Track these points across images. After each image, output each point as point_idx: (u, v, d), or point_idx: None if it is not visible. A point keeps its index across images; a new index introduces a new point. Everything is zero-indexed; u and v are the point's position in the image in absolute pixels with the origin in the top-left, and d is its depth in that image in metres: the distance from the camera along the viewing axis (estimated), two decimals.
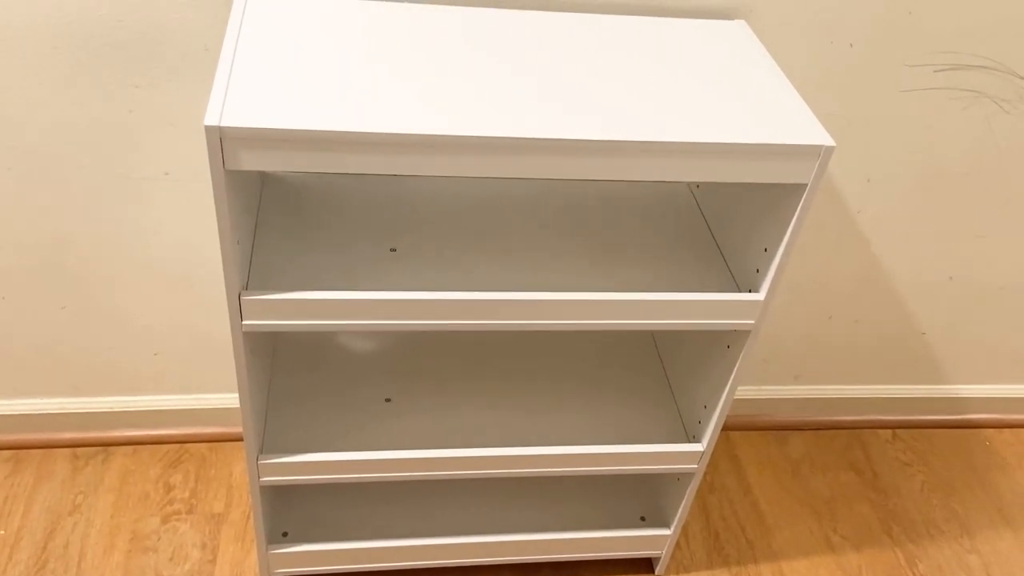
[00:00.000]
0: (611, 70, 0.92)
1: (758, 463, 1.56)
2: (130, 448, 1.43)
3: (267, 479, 1.07)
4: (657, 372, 1.31)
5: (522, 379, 1.27)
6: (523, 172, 0.82)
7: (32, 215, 1.16)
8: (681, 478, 1.24)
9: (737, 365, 1.05)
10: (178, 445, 1.44)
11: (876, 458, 1.61)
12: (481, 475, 1.12)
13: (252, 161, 0.78)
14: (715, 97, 0.90)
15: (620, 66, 0.93)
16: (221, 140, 0.76)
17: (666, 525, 1.29)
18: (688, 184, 1.22)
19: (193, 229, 1.20)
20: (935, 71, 1.18)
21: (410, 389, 1.22)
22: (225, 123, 0.75)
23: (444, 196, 1.13)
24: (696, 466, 1.18)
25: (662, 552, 1.31)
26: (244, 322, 0.90)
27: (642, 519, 1.33)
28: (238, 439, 1.45)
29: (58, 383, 1.36)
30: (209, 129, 0.75)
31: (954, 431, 1.69)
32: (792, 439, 1.62)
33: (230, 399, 1.42)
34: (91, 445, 1.42)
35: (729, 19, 1.07)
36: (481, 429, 1.19)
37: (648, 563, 1.36)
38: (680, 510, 1.25)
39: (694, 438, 1.19)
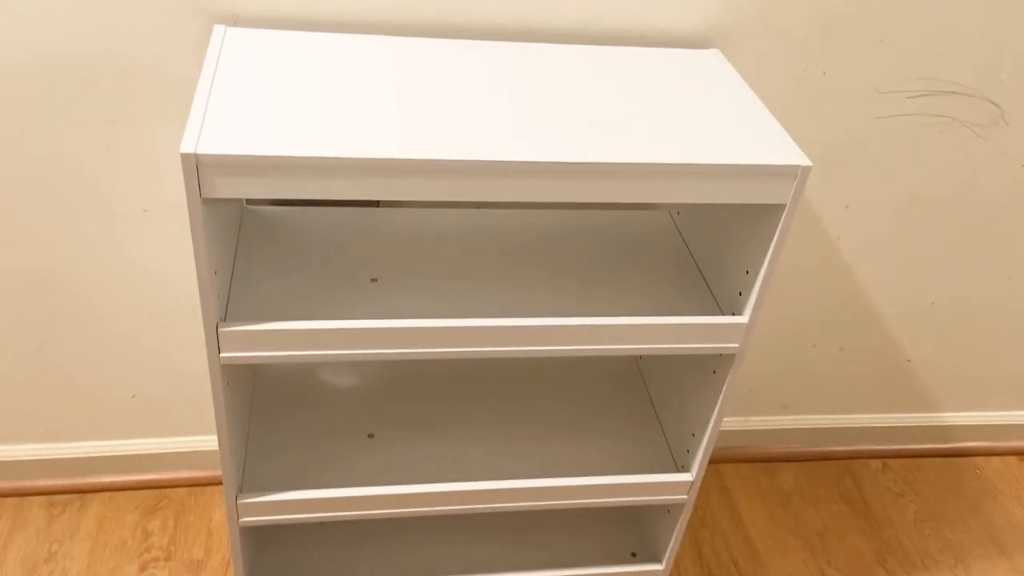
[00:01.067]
0: (588, 97, 0.93)
1: (748, 496, 1.54)
2: (107, 494, 1.39)
3: (247, 519, 1.04)
4: (643, 402, 1.29)
5: (506, 411, 1.25)
6: (501, 196, 0.82)
7: (8, 252, 1.14)
8: (671, 510, 1.22)
9: (723, 390, 1.04)
10: (156, 490, 1.41)
11: (867, 488, 1.59)
12: (467, 510, 1.10)
13: (228, 188, 0.77)
14: (693, 122, 0.91)
15: (597, 93, 0.94)
16: (197, 167, 0.75)
17: (658, 560, 1.27)
18: (669, 212, 1.22)
19: (171, 266, 1.19)
20: (908, 97, 1.20)
21: (393, 424, 1.20)
22: (201, 150, 0.75)
23: (424, 228, 1.12)
24: (686, 497, 1.16)
25: None
26: (222, 354, 0.88)
27: (633, 555, 1.31)
28: (218, 483, 1.42)
29: (33, 428, 1.33)
30: (185, 156, 0.75)
31: (944, 459, 1.68)
32: (782, 470, 1.60)
33: (209, 441, 1.39)
34: (67, 492, 1.38)
35: (703, 48, 1.09)
36: (466, 463, 1.17)
37: None
38: (671, 543, 1.22)
39: (683, 468, 1.17)
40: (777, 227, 0.90)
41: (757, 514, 1.51)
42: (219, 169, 0.76)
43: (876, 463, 1.65)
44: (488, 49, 1.01)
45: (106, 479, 1.38)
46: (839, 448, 1.64)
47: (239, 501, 1.03)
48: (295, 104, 0.84)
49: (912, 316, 1.47)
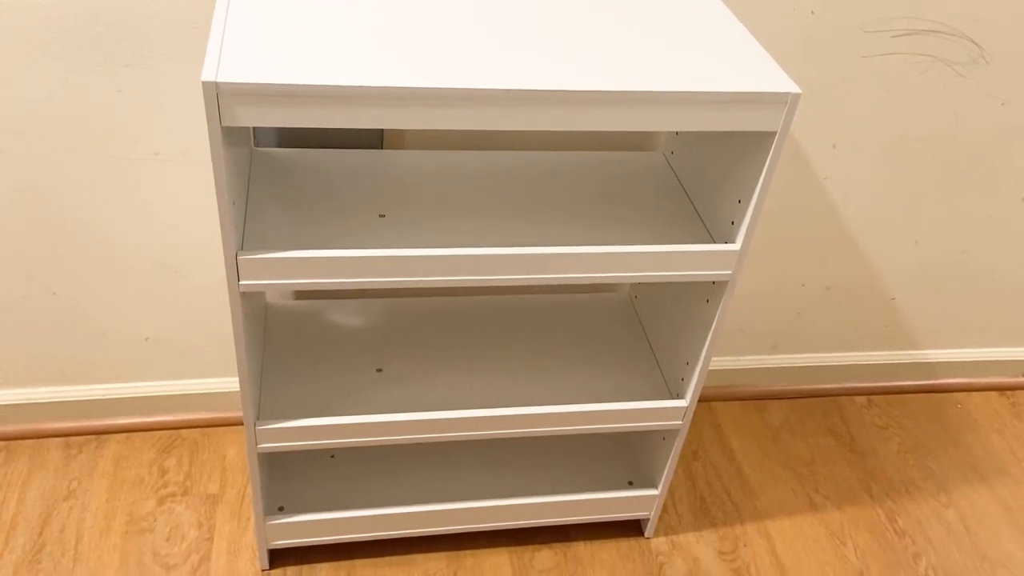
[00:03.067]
0: (587, 30, 0.97)
1: (739, 431, 1.60)
2: (123, 435, 1.44)
3: (265, 445, 1.09)
4: (639, 337, 1.34)
5: (507, 348, 1.30)
6: (507, 124, 0.86)
7: (20, 197, 1.18)
8: (666, 437, 1.27)
9: (716, 318, 1.09)
10: (171, 431, 1.45)
11: (853, 423, 1.66)
12: (472, 437, 1.15)
13: (248, 117, 0.81)
14: (687, 54, 0.95)
15: (595, 27, 0.98)
16: (218, 96, 0.79)
17: (653, 486, 1.33)
18: (663, 152, 1.26)
19: (183, 211, 1.23)
20: (892, 36, 1.24)
21: (400, 359, 1.25)
22: (222, 79, 0.79)
23: (427, 168, 1.16)
24: (680, 422, 1.21)
25: (650, 514, 1.35)
26: (241, 282, 0.93)
27: (630, 483, 1.37)
28: (230, 423, 1.47)
29: (49, 372, 1.37)
30: (206, 85, 0.78)
31: (926, 395, 1.75)
32: (772, 407, 1.67)
33: (221, 383, 1.44)
34: (84, 434, 1.43)
35: None
36: (470, 395, 1.22)
37: (638, 526, 1.40)
38: (666, 469, 1.28)
39: (678, 396, 1.23)
40: (768, 155, 0.94)
41: (748, 448, 1.58)
42: (238, 98, 0.80)
43: (861, 399, 1.72)
44: None
45: (122, 421, 1.43)
46: (826, 386, 1.70)
47: (258, 427, 1.08)
48: (309, 35, 0.88)
49: (896, 255, 1.52)
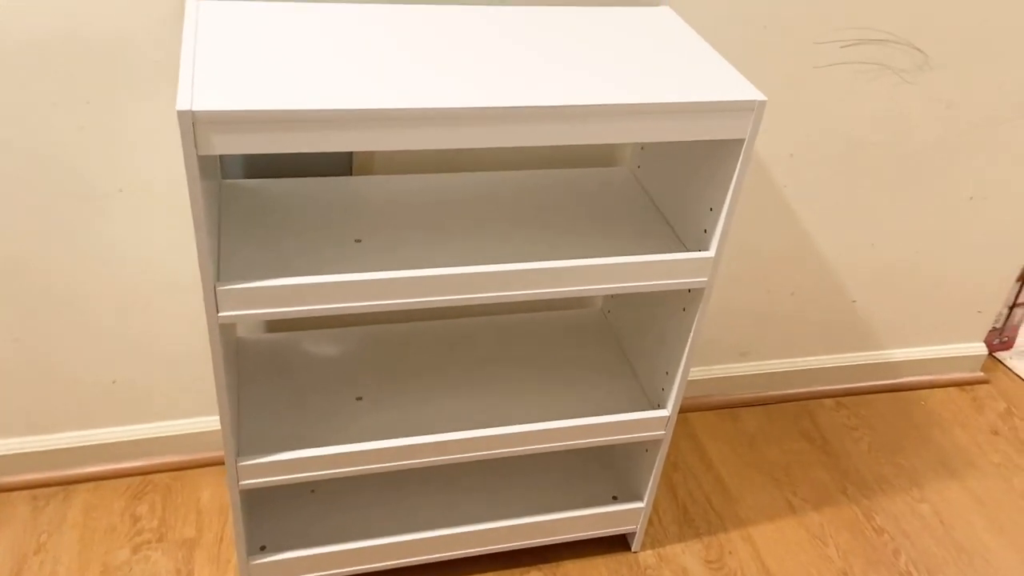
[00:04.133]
0: (554, 51, 0.98)
1: (715, 440, 1.62)
2: (92, 484, 1.39)
3: (247, 482, 1.07)
4: (615, 352, 1.35)
5: (487, 368, 1.30)
6: (483, 142, 0.87)
7: None
8: (649, 448, 1.28)
9: (694, 325, 1.11)
10: (141, 477, 1.41)
11: (824, 425, 1.69)
12: (457, 460, 1.15)
13: (224, 144, 0.80)
14: (654, 68, 0.97)
15: (562, 48, 1.00)
16: (194, 124, 0.78)
17: (639, 499, 1.33)
18: (629, 167, 1.28)
19: (147, 248, 1.21)
20: (842, 47, 1.28)
21: (379, 386, 1.24)
22: (197, 107, 0.78)
23: (400, 191, 1.16)
24: (663, 432, 1.22)
25: (637, 527, 1.35)
26: (220, 314, 0.91)
27: (614, 498, 1.37)
28: (202, 465, 1.43)
29: (13, 423, 1.33)
30: (182, 114, 0.78)
31: (891, 394, 1.79)
32: (744, 415, 1.69)
33: (192, 424, 1.40)
34: (51, 485, 1.38)
35: (654, 6, 1.15)
36: (452, 418, 1.21)
37: (624, 541, 1.40)
38: (651, 481, 1.29)
39: (659, 406, 1.24)
40: (738, 162, 0.97)
41: (724, 456, 1.59)
42: (214, 126, 0.79)
43: (830, 402, 1.75)
44: (454, 12, 1.06)
45: (90, 469, 1.39)
46: (795, 391, 1.73)
47: (239, 464, 1.05)
48: (278, 65, 0.88)
49: (855, 258, 1.56)
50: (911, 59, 1.33)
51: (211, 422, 1.41)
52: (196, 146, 0.79)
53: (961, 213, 1.56)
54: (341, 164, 1.19)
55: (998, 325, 1.86)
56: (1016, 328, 1.90)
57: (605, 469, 1.41)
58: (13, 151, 1.08)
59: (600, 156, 1.31)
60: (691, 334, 1.12)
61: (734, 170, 0.98)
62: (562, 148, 1.29)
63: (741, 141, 0.95)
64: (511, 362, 1.32)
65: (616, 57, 0.98)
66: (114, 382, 1.33)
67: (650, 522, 1.44)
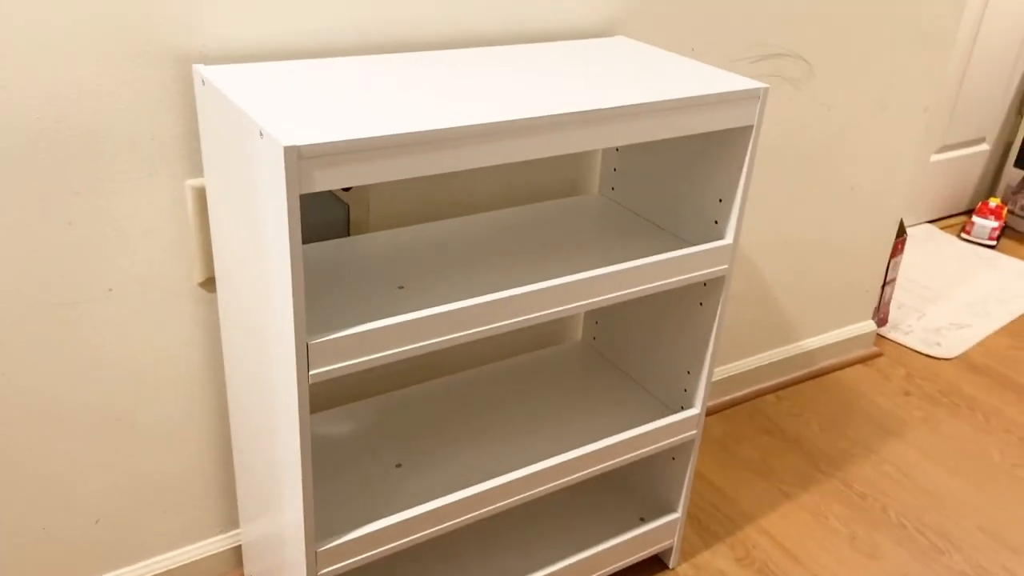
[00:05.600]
0: (553, 74, 1.03)
1: None
2: None
3: (327, 570, 0.97)
4: (612, 371, 1.38)
5: (502, 416, 1.28)
6: (558, 149, 0.89)
7: None
8: (677, 456, 1.31)
9: (717, 316, 1.17)
10: None
11: (775, 418, 1.80)
12: (513, 503, 1.11)
13: (324, 180, 0.77)
14: (652, 75, 1.05)
15: (559, 71, 1.05)
16: (299, 160, 0.75)
17: (671, 510, 1.35)
18: (602, 192, 1.34)
19: (140, 352, 1.09)
20: (751, 63, 1.45)
21: (415, 450, 1.18)
22: (303, 142, 0.75)
23: (409, 243, 1.14)
24: (695, 432, 1.26)
25: (673, 541, 1.36)
26: (312, 371, 0.85)
27: (641, 519, 1.37)
28: None
29: None
30: (288, 150, 0.74)
31: (814, 380, 1.94)
32: (707, 424, 1.76)
33: (186, 554, 1.25)
34: None
35: (609, 36, 1.24)
36: (493, 467, 1.17)
37: (659, 561, 1.40)
38: (684, 487, 1.31)
39: (682, 409, 1.27)
40: (748, 147, 1.06)
41: (706, 463, 1.65)
42: (318, 160, 0.76)
43: (771, 397, 1.87)
44: (443, 56, 1.08)
45: None
46: (742, 392, 1.84)
47: (319, 550, 0.96)
48: (331, 106, 0.86)
49: (772, 255, 1.72)
50: (800, 69, 1.52)
51: (212, 545, 1.26)
52: (300, 183, 0.75)
53: (846, 202, 1.77)
54: (338, 225, 1.16)
55: (875, 304, 2.10)
56: (888, 305, 2.15)
57: (626, 495, 1.41)
58: None
59: (568, 187, 1.36)
60: (715, 324, 1.18)
61: (744, 157, 1.07)
62: (528, 185, 1.33)
63: (750, 128, 1.05)
64: (522, 405, 1.31)
65: (615, 71, 1.05)
66: (97, 522, 1.16)
67: None
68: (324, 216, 1.16)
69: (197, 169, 1.03)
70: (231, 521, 1.27)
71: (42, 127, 0.92)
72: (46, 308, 1.00)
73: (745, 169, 1.07)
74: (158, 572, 1.23)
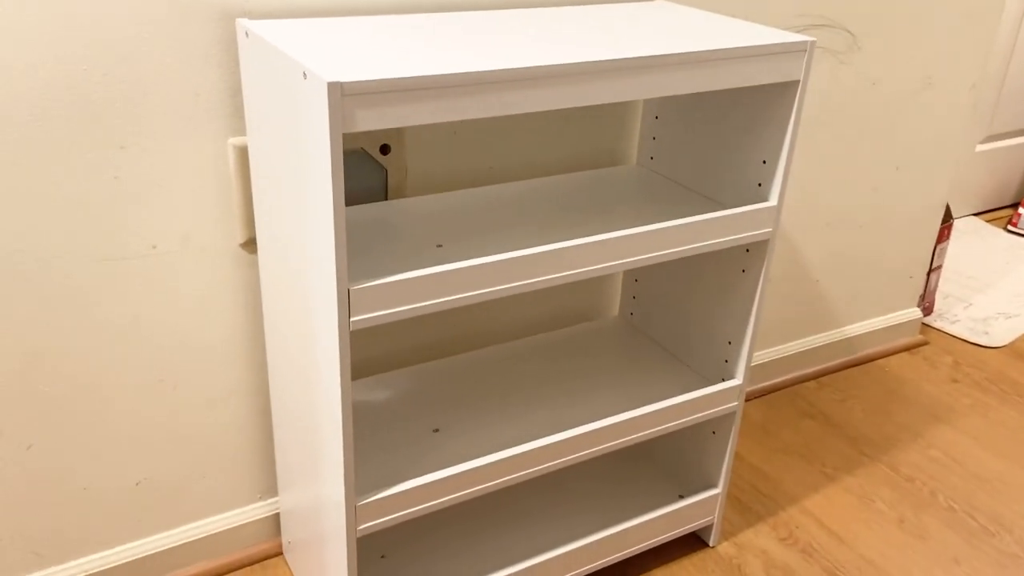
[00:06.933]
0: (605, 30, 1.03)
1: None
2: None
3: (366, 525, 0.97)
4: (651, 346, 1.36)
5: (543, 387, 1.26)
6: (579, 100, 0.88)
7: None
8: (717, 430, 1.29)
9: (760, 282, 1.15)
10: None
11: (817, 403, 1.76)
12: (553, 467, 1.09)
13: (367, 120, 0.77)
14: (700, 32, 1.03)
15: (609, 28, 1.04)
16: (342, 97, 0.75)
17: (712, 486, 1.32)
18: (640, 163, 1.33)
19: (179, 314, 1.10)
20: (794, 32, 1.42)
21: (453, 415, 1.17)
22: (346, 78, 0.74)
23: (446, 207, 1.14)
24: (737, 403, 1.23)
25: (714, 518, 1.33)
26: (353, 318, 0.84)
27: (680, 497, 1.35)
28: (239, 567, 1.27)
29: (18, 557, 1.12)
30: (331, 86, 0.74)
31: (856, 368, 1.90)
32: (747, 409, 1.73)
33: (226, 520, 1.25)
34: None
35: (651, 0, 1.23)
36: (530, 434, 1.16)
37: (698, 540, 1.37)
38: (725, 462, 1.29)
39: (723, 380, 1.25)
40: (794, 104, 1.04)
41: (749, 446, 1.62)
42: (362, 98, 0.76)
43: (812, 384, 1.84)
44: (485, 16, 1.08)
45: None
46: (782, 378, 1.81)
47: (359, 504, 0.95)
48: (377, 53, 0.86)
49: (813, 237, 1.69)
50: (843, 40, 1.49)
51: (250, 512, 1.26)
52: (342, 122, 0.75)
53: (890, 182, 1.73)
54: (377, 191, 1.16)
55: (920, 292, 2.05)
56: (933, 293, 2.10)
57: (666, 473, 1.39)
58: (36, 213, 0.96)
59: (606, 158, 1.35)
60: (758, 291, 1.15)
61: (789, 115, 1.05)
62: (565, 155, 1.32)
63: (796, 83, 1.03)
64: (562, 377, 1.29)
65: (659, 28, 1.04)
66: (137, 484, 1.17)
67: None
68: (363, 182, 1.16)
69: (240, 128, 1.04)
70: (269, 488, 1.27)
71: (90, 80, 0.93)
72: (92, 262, 1.01)
73: (791, 127, 1.05)
74: (197, 537, 1.23)
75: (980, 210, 2.72)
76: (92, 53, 0.92)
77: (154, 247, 1.04)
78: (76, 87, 0.93)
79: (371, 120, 0.77)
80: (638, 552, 1.28)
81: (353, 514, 0.95)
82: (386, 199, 1.18)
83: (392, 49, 0.88)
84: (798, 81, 1.03)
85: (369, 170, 1.16)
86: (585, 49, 0.92)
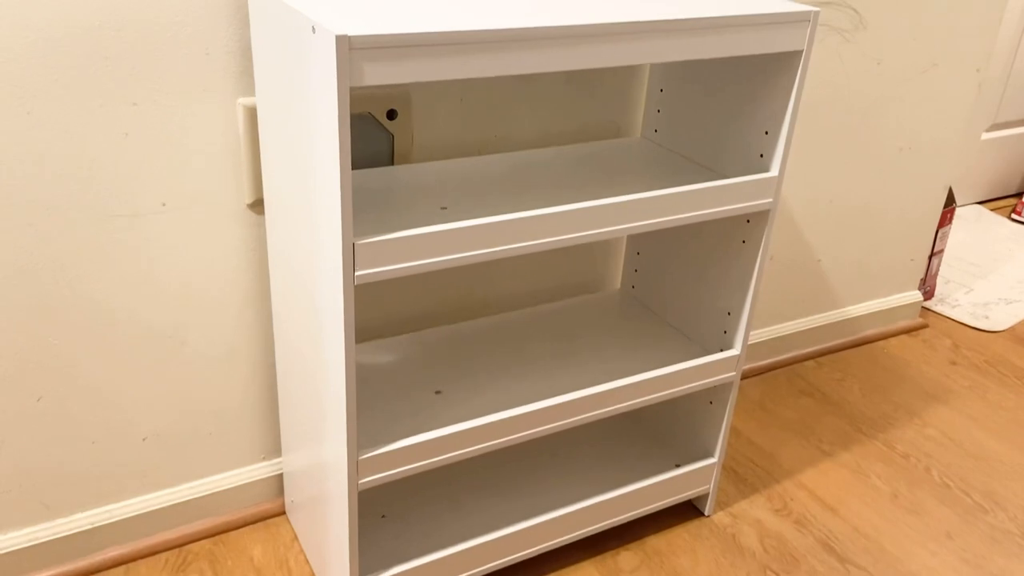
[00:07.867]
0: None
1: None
2: (121, 568, 1.22)
3: (368, 478, 0.99)
4: (652, 318, 1.38)
5: (545, 355, 1.28)
6: (582, 62, 0.89)
7: (5, 276, 1.01)
8: (714, 400, 1.30)
9: (760, 254, 1.16)
10: (178, 549, 1.25)
11: (816, 382, 1.78)
12: (553, 429, 1.11)
13: (374, 74, 0.78)
14: (705, 2, 1.05)
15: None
16: (350, 51, 0.76)
17: (708, 455, 1.34)
18: (644, 135, 1.34)
19: (187, 272, 1.12)
20: None
21: (455, 379, 1.19)
22: (353, 32, 0.76)
23: (452, 173, 1.16)
24: (734, 374, 1.25)
25: (709, 487, 1.35)
26: (358, 272, 0.86)
27: (677, 466, 1.37)
28: (245, 524, 1.30)
29: (28, 507, 1.15)
30: (339, 39, 0.75)
31: (856, 349, 1.92)
32: (744, 386, 1.75)
33: (232, 478, 1.27)
34: None
35: None
36: (532, 399, 1.18)
37: (693, 508, 1.39)
38: (721, 432, 1.31)
39: (721, 351, 1.27)
40: (796, 74, 1.05)
41: (747, 422, 1.64)
42: (370, 52, 0.77)
43: (811, 363, 1.85)
44: None
45: (118, 551, 1.21)
46: (779, 357, 1.82)
47: (361, 458, 0.97)
48: (391, 10, 0.87)
49: (816, 216, 1.70)
50: (849, 19, 1.50)
51: (254, 471, 1.29)
52: (349, 76, 0.77)
53: (893, 164, 1.74)
54: (383, 156, 1.17)
55: (921, 276, 2.06)
56: (934, 277, 2.11)
57: (663, 442, 1.41)
58: (47, 168, 0.98)
59: (611, 130, 1.37)
60: (758, 262, 1.17)
61: (792, 86, 1.06)
62: (569, 127, 1.33)
63: (799, 53, 1.04)
64: (564, 346, 1.31)
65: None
66: (144, 439, 1.19)
67: None
68: (369, 147, 1.17)
69: (249, 89, 1.06)
70: (274, 449, 1.29)
71: (102, 35, 0.95)
72: (104, 219, 1.03)
73: (793, 97, 1.07)
74: (201, 494, 1.25)
75: (985, 199, 2.73)
76: (105, 8, 0.94)
77: (163, 204, 1.06)
78: (89, 40, 0.94)
79: (378, 75, 0.78)
80: (635, 518, 1.30)
81: (355, 468, 0.97)
82: (392, 165, 1.19)
83: (401, 6, 0.89)
84: (801, 51, 1.04)
85: (376, 135, 1.17)
86: (594, 11, 0.93)
